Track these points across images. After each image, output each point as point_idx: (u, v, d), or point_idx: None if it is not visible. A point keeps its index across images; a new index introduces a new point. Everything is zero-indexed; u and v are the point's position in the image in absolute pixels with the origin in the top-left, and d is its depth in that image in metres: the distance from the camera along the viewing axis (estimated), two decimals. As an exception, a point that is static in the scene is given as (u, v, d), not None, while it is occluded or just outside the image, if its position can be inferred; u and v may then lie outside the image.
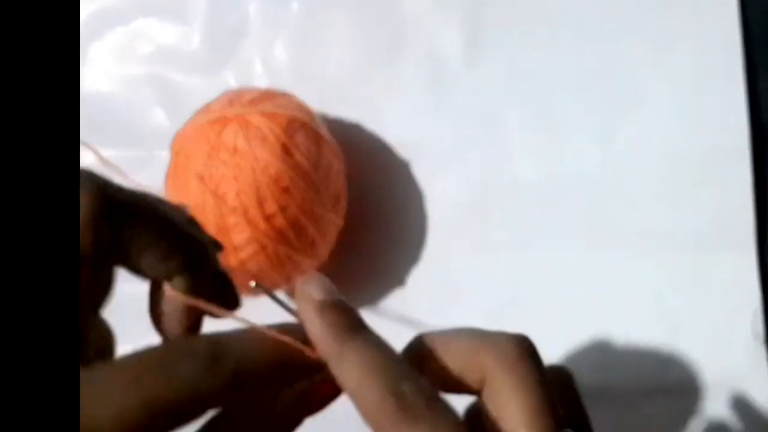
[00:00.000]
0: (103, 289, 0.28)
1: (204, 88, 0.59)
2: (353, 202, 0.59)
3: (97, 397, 0.23)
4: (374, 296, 0.61)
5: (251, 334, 0.26)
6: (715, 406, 0.57)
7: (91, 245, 0.26)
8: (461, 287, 0.60)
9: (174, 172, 0.53)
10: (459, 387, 0.27)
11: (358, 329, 0.26)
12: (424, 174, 0.61)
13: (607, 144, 0.59)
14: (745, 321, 0.57)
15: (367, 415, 0.24)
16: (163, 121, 0.63)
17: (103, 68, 0.64)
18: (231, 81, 0.63)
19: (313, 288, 0.26)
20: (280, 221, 0.51)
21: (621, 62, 0.59)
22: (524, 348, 0.26)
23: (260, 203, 0.50)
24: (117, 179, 0.28)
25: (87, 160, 0.61)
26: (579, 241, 0.59)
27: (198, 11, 0.63)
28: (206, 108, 0.54)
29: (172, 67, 0.64)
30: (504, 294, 0.59)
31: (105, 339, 0.29)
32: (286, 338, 0.26)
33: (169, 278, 0.28)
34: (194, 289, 0.28)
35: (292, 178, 0.51)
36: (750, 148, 0.57)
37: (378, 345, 0.26)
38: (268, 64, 0.63)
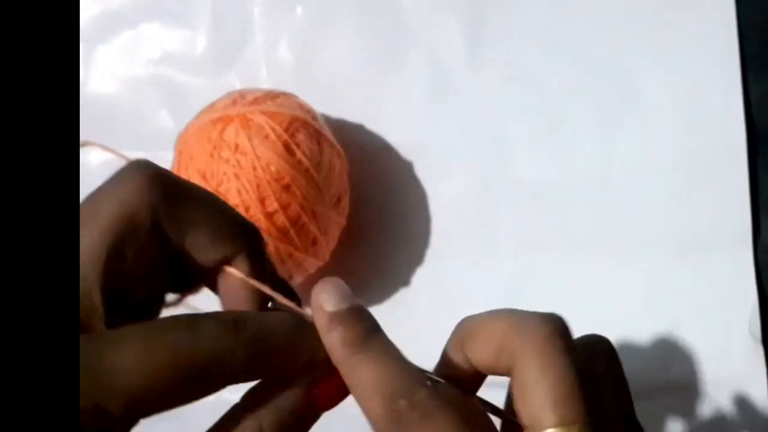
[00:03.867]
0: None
1: (209, 91, 0.59)
2: (356, 203, 0.59)
3: (124, 352, 0.23)
4: (379, 296, 0.62)
5: (274, 314, 0.27)
6: (713, 405, 0.57)
7: (149, 223, 0.27)
8: (465, 287, 0.61)
9: (177, 170, 0.53)
10: (494, 370, 0.26)
11: (363, 341, 0.26)
12: (426, 175, 0.62)
13: (607, 147, 0.59)
14: (743, 321, 0.57)
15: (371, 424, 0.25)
16: (168, 123, 0.64)
17: (109, 71, 0.65)
18: (236, 83, 0.64)
19: (324, 297, 0.26)
20: (281, 219, 0.51)
21: (621, 66, 0.60)
22: (553, 329, 0.25)
23: (261, 200, 0.50)
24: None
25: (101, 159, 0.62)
26: (579, 242, 0.59)
27: (203, 15, 0.64)
28: (210, 107, 0.54)
29: (177, 69, 0.64)
30: (506, 293, 0.60)
31: None
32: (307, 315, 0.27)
33: (228, 261, 0.29)
34: (254, 273, 0.29)
35: (293, 176, 0.51)
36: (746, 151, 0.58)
37: (382, 360, 0.26)
38: (273, 67, 0.63)
